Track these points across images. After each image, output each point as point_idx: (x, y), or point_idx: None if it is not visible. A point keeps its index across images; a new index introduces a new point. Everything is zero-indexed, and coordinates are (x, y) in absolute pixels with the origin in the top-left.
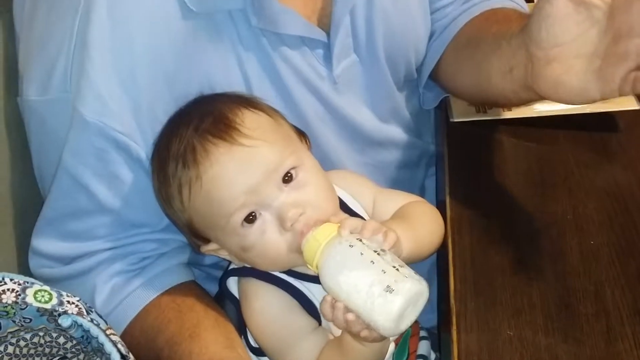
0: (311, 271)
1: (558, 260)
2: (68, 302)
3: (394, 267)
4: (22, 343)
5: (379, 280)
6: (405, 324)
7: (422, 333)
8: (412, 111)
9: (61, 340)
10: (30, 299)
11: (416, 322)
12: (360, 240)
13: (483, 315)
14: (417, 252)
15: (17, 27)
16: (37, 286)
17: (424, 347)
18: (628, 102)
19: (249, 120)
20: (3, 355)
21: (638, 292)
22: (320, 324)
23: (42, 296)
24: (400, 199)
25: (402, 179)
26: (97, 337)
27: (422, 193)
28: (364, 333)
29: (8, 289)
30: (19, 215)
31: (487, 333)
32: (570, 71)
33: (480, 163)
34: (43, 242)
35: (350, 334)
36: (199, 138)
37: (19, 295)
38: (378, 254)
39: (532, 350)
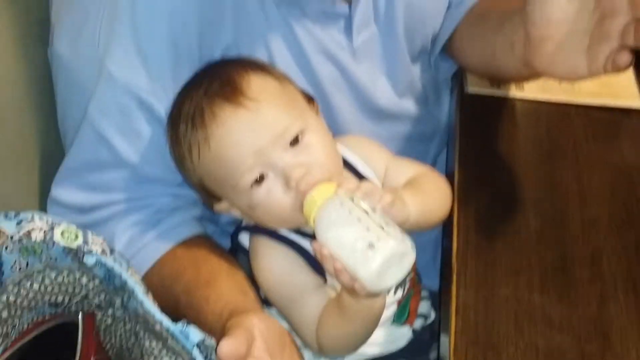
0: None
1: (559, 226)
2: (92, 242)
3: (380, 225)
4: (47, 281)
5: (362, 237)
6: (390, 281)
7: (424, 294)
8: (426, 84)
9: (84, 280)
10: (57, 237)
11: (419, 283)
12: (353, 200)
13: (482, 274)
14: (425, 217)
15: None
16: (64, 225)
17: (424, 307)
18: (633, 99)
19: (255, 83)
20: (29, 292)
21: (633, 261)
22: (326, 282)
23: (69, 235)
24: (412, 168)
25: (414, 152)
26: (120, 275)
27: (433, 167)
28: (353, 285)
29: (37, 227)
30: (44, 164)
31: (485, 290)
32: (561, 49)
33: (491, 131)
34: (62, 192)
35: (342, 286)
36: (208, 100)
37: (47, 233)
38: (367, 213)
39: (527, 308)
